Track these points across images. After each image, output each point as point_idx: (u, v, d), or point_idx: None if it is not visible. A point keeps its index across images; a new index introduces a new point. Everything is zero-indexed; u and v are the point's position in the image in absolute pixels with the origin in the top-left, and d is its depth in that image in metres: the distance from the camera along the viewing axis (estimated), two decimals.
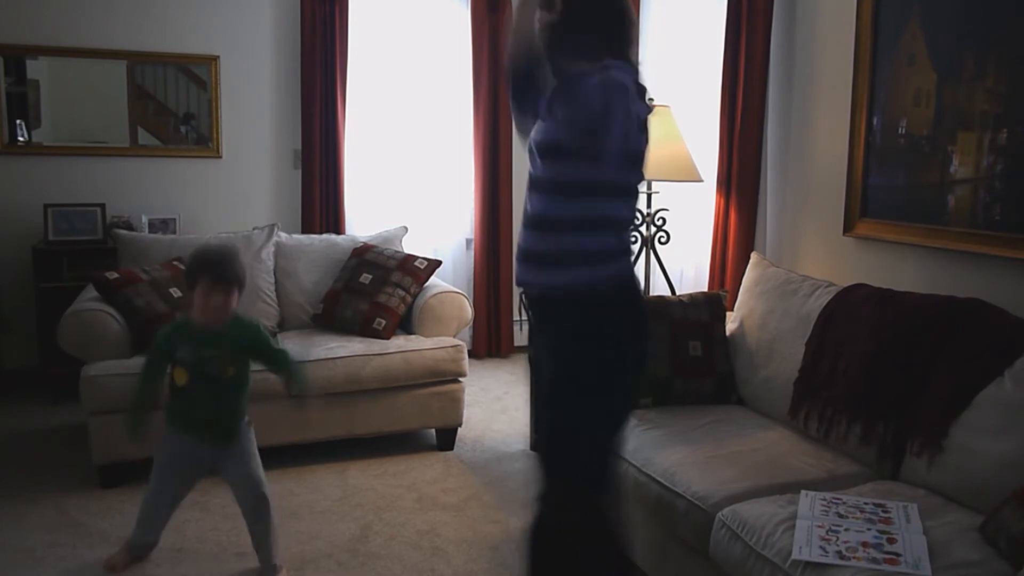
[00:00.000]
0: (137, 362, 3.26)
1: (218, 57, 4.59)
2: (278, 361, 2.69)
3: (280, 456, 3.40)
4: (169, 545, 2.81)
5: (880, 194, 2.88)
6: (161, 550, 2.78)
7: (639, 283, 2.10)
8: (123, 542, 2.72)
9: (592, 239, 1.92)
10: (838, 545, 1.84)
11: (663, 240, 3.62)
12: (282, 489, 3.21)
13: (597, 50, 1.94)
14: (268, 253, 3.95)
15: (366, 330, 3.69)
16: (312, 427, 3.48)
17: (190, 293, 2.58)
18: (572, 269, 1.92)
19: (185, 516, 2.99)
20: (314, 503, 3.15)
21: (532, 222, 1.97)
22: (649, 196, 3.60)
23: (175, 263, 3.63)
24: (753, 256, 3.15)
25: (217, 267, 2.55)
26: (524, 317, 2.11)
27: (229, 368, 2.60)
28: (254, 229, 4.05)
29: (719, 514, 2.11)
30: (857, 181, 2.95)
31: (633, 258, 2.06)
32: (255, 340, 2.64)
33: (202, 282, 2.53)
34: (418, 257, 3.93)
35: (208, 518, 3.01)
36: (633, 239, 2.10)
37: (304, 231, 4.66)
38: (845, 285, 2.70)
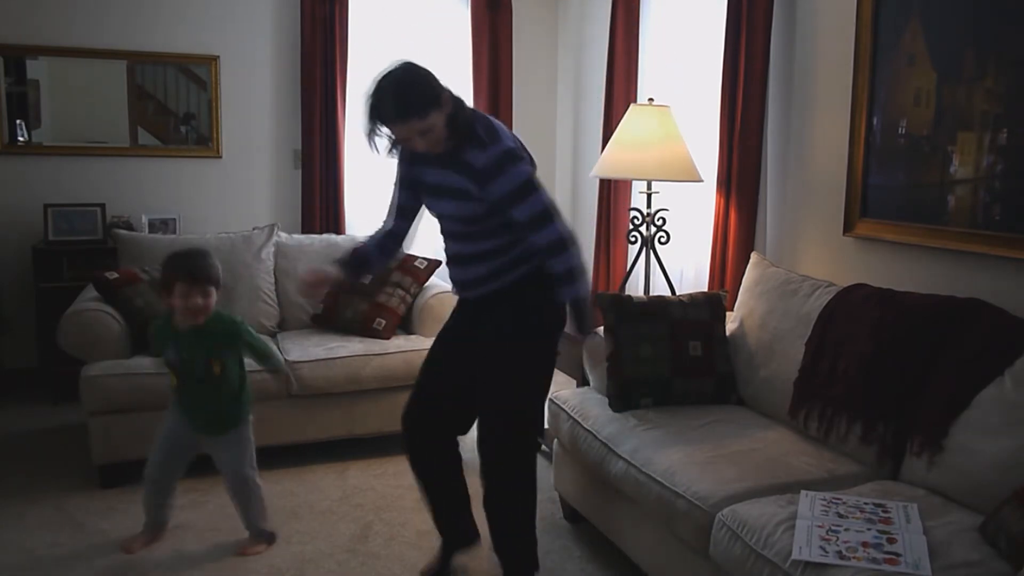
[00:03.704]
0: (137, 362, 3.28)
1: (218, 57, 4.59)
2: (257, 350, 2.75)
3: (280, 456, 3.41)
4: (168, 546, 2.81)
5: (880, 194, 2.88)
6: (160, 551, 2.78)
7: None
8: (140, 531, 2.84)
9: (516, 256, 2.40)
10: (838, 545, 1.84)
11: (663, 240, 3.61)
12: (282, 489, 3.21)
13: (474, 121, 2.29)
14: (268, 253, 3.95)
15: (366, 330, 3.69)
16: (312, 427, 3.48)
17: (167, 297, 2.62)
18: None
19: (184, 517, 3.00)
20: (314, 503, 3.15)
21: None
22: (649, 196, 3.60)
23: None
24: (753, 256, 3.15)
25: (193, 267, 2.60)
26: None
27: (215, 366, 2.64)
28: (254, 229, 4.05)
29: (719, 514, 2.11)
30: (857, 181, 2.94)
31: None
32: (233, 332, 2.68)
33: (179, 285, 2.58)
34: (418, 257, 3.93)
35: (207, 519, 3.02)
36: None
37: (304, 231, 4.65)
38: (845, 285, 2.70)
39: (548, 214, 2.29)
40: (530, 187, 2.27)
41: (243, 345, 2.73)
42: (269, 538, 2.83)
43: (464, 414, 2.55)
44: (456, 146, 2.27)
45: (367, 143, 2.31)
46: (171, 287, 2.60)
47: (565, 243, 2.30)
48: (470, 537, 2.67)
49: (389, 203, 2.60)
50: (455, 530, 2.65)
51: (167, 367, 2.70)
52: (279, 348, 3.58)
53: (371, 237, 2.60)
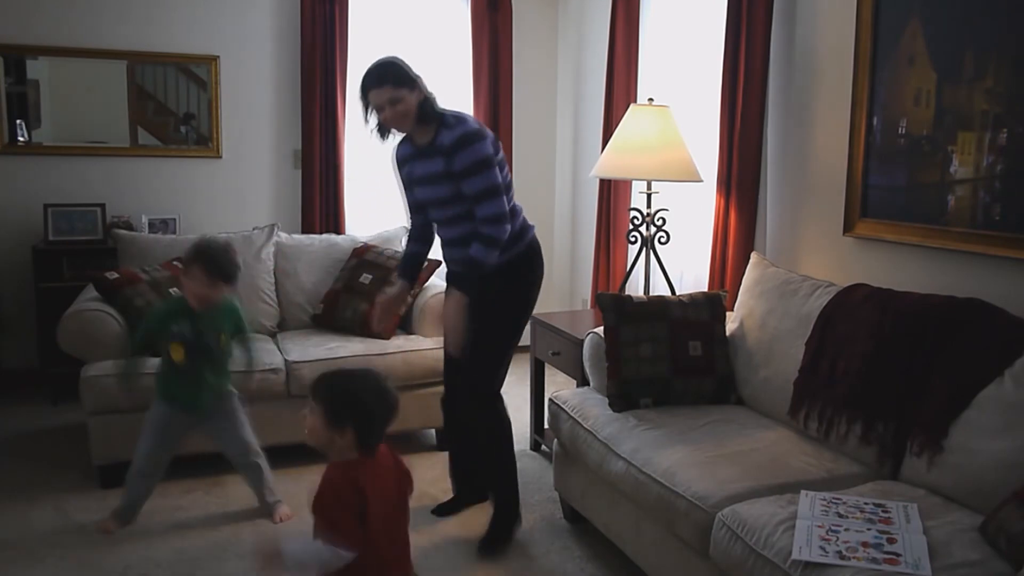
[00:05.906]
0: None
1: (218, 57, 4.59)
2: (247, 342, 3.04)
3: (280, 456, 3.40)
4: (170, 547, 2.81)
5: (880, 194, 2.88)
6: (160, 551, 2.78)
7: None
8: (111, 511, 2.94)
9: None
10: (838, 545, 1.84)
11: (663, 240, 3.62)
12: (282, 489, 3.21)
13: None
14: (268, 253, 3.95)
15: (366, 330, 3.69)
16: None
17: (185, 276, 2.84)
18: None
19: (184, 517, 2.99)
20: None
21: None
22: (649, 196, 3.60)
23: (175, 263, 3.63)
24: (753, 256, 3.15)
25: (212, 260, 2.79)
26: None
27: (223, 339, 2.89)
28: (254, 229, 4.05)
29: (719, 514, 2.11)
30: (857, 181, 2.94)
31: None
32: (237, 315, 2.96)
33: (195, 270, 2.77)
34: None
35: (208, 519, 3.02)
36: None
37: (304, 231, 4.65)
38: (845, 285, 2.70)
39: (496, 191, 2.62)
40: (486, 163, 2.61)
41: (241, 335, 2.98)
42: (279, 505, 3.04)
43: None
44: (433, 135, 2.66)
45: (362, 116, 2.73)
46: (190, 269, 2.80)
47: (501, 218, 2.62)
48: (481, 494, 3.10)
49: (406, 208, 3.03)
50: (469, 485, 3.12)
51: (173, 341, 2.81)
52: (279, 348, 3.59)
53: (411, 240, 3.03)
